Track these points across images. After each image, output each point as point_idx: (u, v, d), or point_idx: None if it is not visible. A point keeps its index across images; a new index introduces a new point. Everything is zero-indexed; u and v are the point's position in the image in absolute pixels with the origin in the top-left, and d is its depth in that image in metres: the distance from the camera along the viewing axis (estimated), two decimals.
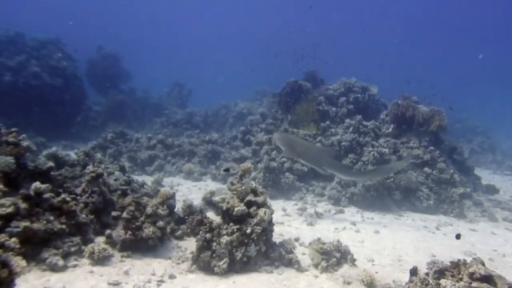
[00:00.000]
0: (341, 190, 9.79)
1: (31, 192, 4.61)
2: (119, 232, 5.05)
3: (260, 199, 5.17)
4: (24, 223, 4.26)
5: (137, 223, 5.17)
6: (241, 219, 4.99)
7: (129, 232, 5.02)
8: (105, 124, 19.87)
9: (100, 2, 68.93)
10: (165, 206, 5.82)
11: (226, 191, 7.30)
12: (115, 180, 7.70)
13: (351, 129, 11.19)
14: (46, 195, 4.72)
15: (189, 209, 6.91)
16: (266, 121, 13.87)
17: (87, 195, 5.32)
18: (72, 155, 7.93)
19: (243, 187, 5.40)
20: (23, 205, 4.48)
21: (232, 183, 5.62)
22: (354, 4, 67.31)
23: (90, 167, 5.50)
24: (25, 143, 5.22)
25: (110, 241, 5.06)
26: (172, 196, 5.95)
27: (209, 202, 7.31)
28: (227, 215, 5.04)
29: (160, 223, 5.29)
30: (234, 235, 4.80)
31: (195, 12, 72.79)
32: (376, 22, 65.04)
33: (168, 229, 5.73)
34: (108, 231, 5.10)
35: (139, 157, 11.49)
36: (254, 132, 13.53)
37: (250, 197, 5.16)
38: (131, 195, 5.87)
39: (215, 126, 21.00)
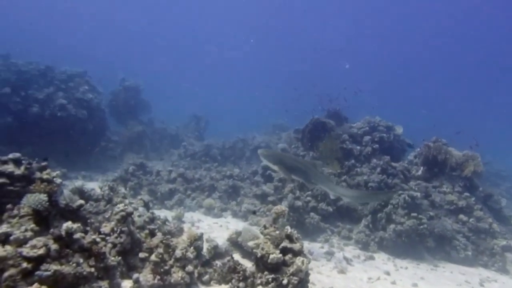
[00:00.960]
0: (369, 234, 9.40)
1: (63, 233, 4.50)
2: (147, 277, 4.84)
3: (296, 246, 4.93)
4: (55, 267, 4.12)
5: (166, 267, 4.97)
6: (276, 268, 4.74)
7: (158, 277, 4.81)
8: (124, 154, 20.11)
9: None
10: (192, 248, 5.62)
11: (253, 232, 7.09)
12: (139, 216, 7.60)
13: (378, 169, 10.95)
14: (77, 236, 4.60)
15: (215, 251, 6.68)
16: None
17: (115, 235, 5.18)
18: (97, 189, 7.90)
19: (277, 232, 5.19)
20: (53, 246, 4.35)
21: (265, 227, 5.42)
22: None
23: (120, 206, 5.40)
24: (58, 180, 5.19)
25: (138, 286, 4.84)
26: (200, 238, 5.75)
27: (235, 243, 7.06)
28: (262, 262, 4.80)
29: (189, 268, 5.08)
30: (270, 286, 4.53)
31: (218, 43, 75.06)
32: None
33: (196, 273, 5.49)
34: (135, 276, 4.90)
35: (159, 190, 11.40)
36: None
37: (285, 244, 4.93)
38: (158, 235, 5.70)
39: (232, 159, 20.95)
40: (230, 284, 4.65)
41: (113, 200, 7.74)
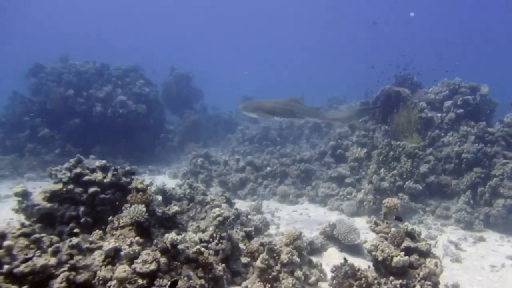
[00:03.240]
0: (471, 211, 8.46)
1: (168, 245, 4.34)
2: (256, 285, 4.57)
3: (422, 245, 4.34)
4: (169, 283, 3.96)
5: (273, 273, 4.67)
6: (402, 272, 4.21)
7: (268, 285, 4.52)
8: (183, 144, 20.45)
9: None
10: (294, 249, 5.26)
11: (348, 224, 6.59)
12: None
13: (472, 138, 9.77)
14: (181, 246, 4.43)
15: (311, 247, 6.33)
16: (357, 133, 12.89)
17: (215, 241, 4.97)
18: (176, 188, 7.83)
19: (392, 229, 4.63)
20: (162, 260, 4.22)
21: (376, 223, 4.87)
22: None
23: (216, 211, 5.15)
24: (152, 189, 5.04)
25: None
26: (299, 237, 5.37)
27: (329, 236, 6.63)
28: (383, 266, 4.30)
29: (298, 273, 4.73)
30: None
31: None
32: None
33: (302, 276, 5.15)
34: (244, 284, 4.67)
35: (230, 181, 11.27)
36: (344, 146, 12.63)
37: (408, 243, 4.37)
38: (256, 237, 5.42)
39: (291, 138, 20.48)
40: None
41: (195, 198, 7.67)
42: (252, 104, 8.46)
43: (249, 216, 7.83)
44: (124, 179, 6.48)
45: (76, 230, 5.04)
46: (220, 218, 5.04)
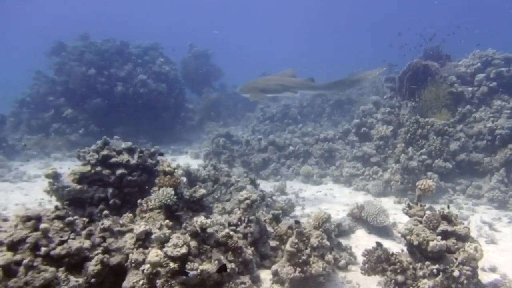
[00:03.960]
0: (506, 190, 8.15)
1: (197, 228, 4.34)
2: (286, 269, 4.55)
3: (460, 229, 4.17)
4: (201, 266, 3.98)
5: (303, 257, 4.62)
6: (439, 256, 4.08)
7: (298, 269, 4.49)
8: (202, 123, 20.50)
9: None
10: (323, 232, 5.19)
11: (377, 206, 6.44)
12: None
13: (507, 113, 9.29)
14: (211, 230, 4.42)
15: (338, 229, 6.25)
16: (382, 110, 12.50)
17: (244, 224, 4.95)
18: (201, 170, 7.83)
19: (426, 212, 4.46)
20: (192, 243, 4.22)
21: (409, 206, 4.72)
22: None
23: (243, 193, 5.10)
24: (180, 171, 5.02)
25: (278, 278, 4.61)
26: (328, 219, 5.28)
27: (357, 218, 6.53)
28: (419, 250, 4.17)
29: (329, 257, 4.67)
30: (437, 279, 3.91)
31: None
32: None
33: (332, 259, 5.09)
34: (274, 268, 4.66)
35: (252, 161, 11.23)
36: (369, 124, 12.29)
37: (444, 226, 4.21)
38: (284, 220, 5.37)
39: (312, 116, 20.14)
40: (384, 277, 4.15)
41: (220, 180, 7.67)
42: (247, 85, 8.55)
43: (274, 197, 7.81)
44: (150, 160, 6.52)
45: (106, 212, 5.14)
46: (248, 201, 4.99)
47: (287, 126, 17.97)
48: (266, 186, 9.71)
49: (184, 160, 13.76)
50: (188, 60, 22.12)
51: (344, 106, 19.69)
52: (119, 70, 15.53)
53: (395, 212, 7.37)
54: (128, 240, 4.37)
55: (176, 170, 5.05)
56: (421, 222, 4.39)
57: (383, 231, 6.19)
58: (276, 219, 5.33)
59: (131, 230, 4.49)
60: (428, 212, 4.44)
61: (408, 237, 4.25)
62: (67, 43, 16.15)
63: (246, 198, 5.01)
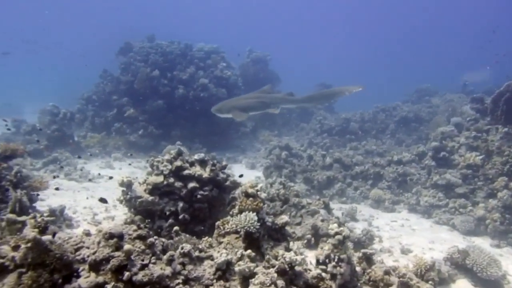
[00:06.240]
0: None
1: (286, 265, 3.88)
2: None
3: None
4: None
5: None
6: None
7: None
8: (256, 130, 20.24)
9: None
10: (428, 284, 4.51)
11: (487, 255, 5.60)
12: (322, 221, 6.89)
13: None
14: (299, 268, 3.95)
15: (438, 276, 5.48)
16: (465, 133, 11.33)
17: (333, 263, 4.40)
18: (268, 187, 7.42)
19: None
20: (279, 283, 3.77)
21: None
22: None
23: (334, 227, 4.57)
24: (262, 195, 4.62)
25: None
26: (432, 268, 4.58)
27: (459, 265, 5.70)
28: None
29: None
30: None
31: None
32: None
33: None
34: None
35: (316, 178, 10.64)
36: (449, 148, 11.18)
37: None
38: (376, 263, 4.74)
39: (373, 133, 19.16)
40: None
41: (290, 200, 7.20)
42: (225, 105, 8.56)
43: (347, 224, 7.18)
44: (221, 175, 6.23)
45: (176, 228, 4.87)
46: (339, 237, 4.44)
47: (348, 142, 17.19)
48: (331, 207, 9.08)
49: (239, 169, 13.49)
50: (246, 65, 22.08)
51: (410, 124, 18.51)
52: (181, 73, 15.73)
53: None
54: (207, 269, 4.01)
55: (259, 193, 4.64)
56: None
57: (492, 284, 5.32)
58: (367, 260, 4.72)
59: (209, 257, 4.14)
60: None
61: None
62: (134, 43, 16.70)
63: (337, 233, 4.47)
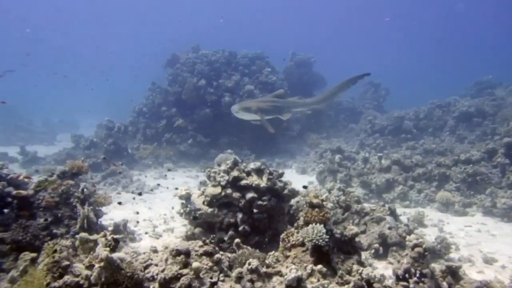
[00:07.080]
0: None
1: (363, 283, 3.57)
2: None
3: None
4: None
5: None
6: None
7: None
8: (303, 134, 19.85)
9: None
10: None
11: None
12: (389, 228, 6.44)
13: None
14: (378, 286, 3.61)
15: None
16: None
17: (415, 279, 4.01)
18: (327, 193, 7.09)
19: None
20: None
21: None
22: None
23: (412, 238, 4.17)
24: (329, 205, 4.33)
25: None
26: None
27: None
28: None
29: None
30: None
31: None
32: None
33: None
34: None
35: (374, 182, 10.09)
36: None
37: None
38: (464, 277, 4.25)
39: (430, 130, 17.98)
40: None
41: (351, 207, 6.82)
42: (250, 106, 8.62)
43: (416, 231, 6.64)
44: (278, 183, 6.03)
45: (237, 241, 4.73)
46: (419, 249, 4.04)
47: (403, 141, 16.29)
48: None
49: (290, 175, 13.22)
50: (290, 69, 21.83)
51: (472, 120, 17.10)
52: (227, 81, 15.84)
53: None
54: (277, 286, 3.81)
55: (325, 203, 4.37)
56: None
57: None
58: (452, 274, 4.25)
59: (278, 273, 3.93)
60: None
61: None
62: (181, 55, 17.13)
63: (417, 245, 4.07)
